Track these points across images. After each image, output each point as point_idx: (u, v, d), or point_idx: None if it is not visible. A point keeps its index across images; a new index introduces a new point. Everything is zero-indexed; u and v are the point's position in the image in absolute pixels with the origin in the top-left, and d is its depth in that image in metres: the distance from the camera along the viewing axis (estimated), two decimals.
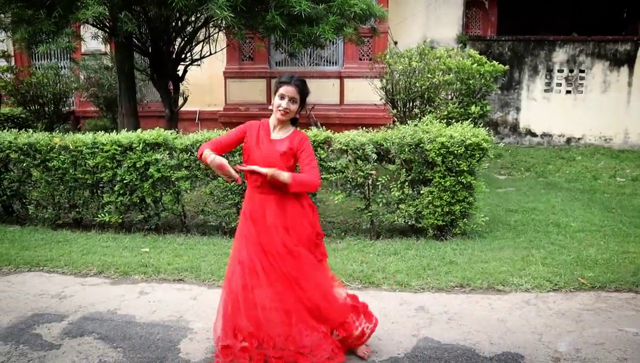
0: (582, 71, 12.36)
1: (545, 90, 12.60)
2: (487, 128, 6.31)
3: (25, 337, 3.41)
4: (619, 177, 9.06)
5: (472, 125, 5.68)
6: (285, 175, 2.83)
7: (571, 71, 12.42)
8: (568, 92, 12.47)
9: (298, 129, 3.08)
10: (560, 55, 12.49)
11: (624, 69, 12.18)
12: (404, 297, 4.11)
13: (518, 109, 12.76)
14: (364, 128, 5.89)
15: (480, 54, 12.01)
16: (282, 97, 2.95)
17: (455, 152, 5.22)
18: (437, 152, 5.23)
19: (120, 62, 8.28)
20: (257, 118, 9.99)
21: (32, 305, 3.93)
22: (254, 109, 11.28)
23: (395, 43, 12.15)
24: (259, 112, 11.19)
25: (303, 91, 3.00)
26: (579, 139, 12.44)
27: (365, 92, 9.60)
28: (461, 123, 5.79)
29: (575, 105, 12.46)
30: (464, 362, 3.12)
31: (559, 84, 12.51)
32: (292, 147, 2.96)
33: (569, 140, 12.49)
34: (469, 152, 5.28)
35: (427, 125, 5.68)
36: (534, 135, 12.69)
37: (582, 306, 3.95)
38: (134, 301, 3.98)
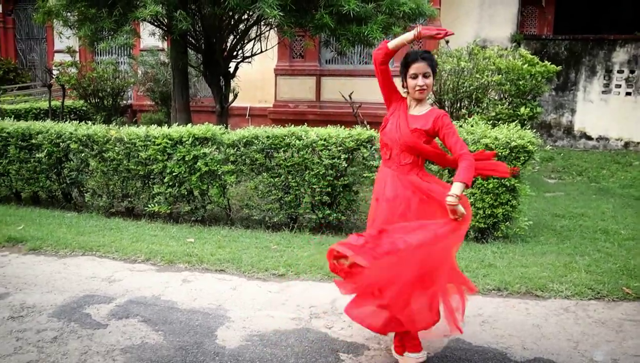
0: None
1: (603, 92, 12.15)
2: (536, 130, 6.20)
3: (77, 315, 3.65)
4: None
5: (521, 127, 5.60)
6: (460, 186, 2.80)
7: (632, 72, 11.92)
8: (628, 93, 11.99)
9: (434, 106, 3.13)
10: (620, 55, 12.01)
11: None
12: None
13: (573, 111, 12.37)
14: None
15: (535, 53, 11.77)
16: (414, 76, 2.92)
17: (500, 154, 5.16)
18: None
19: (174, 58, 8.60)
20: (306, 115, 10.08)
21: (84, 286, 4.19)
22: (303, 106, 11.43)
23: (447, 42, 11.99)
24: (308, 109, 11.34)
25: (433, 61, 2.96)
26: (638, 143, 11.94)
27: None
28: (508, 124, 5.72)
29: (635, 107, 11.96)
30: None
31: (618, 85, 12.04)
32: (427, 126, 2.94)
33: (627, 144, 12.01)
34: (513, 154, 5.21)
35: (472, 126, 5.63)
36: (589, 138, 12.28)
37: (624, 316, 3.85)
38: (177, 288, 4.17)
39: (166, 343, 3.27)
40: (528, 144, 5.20)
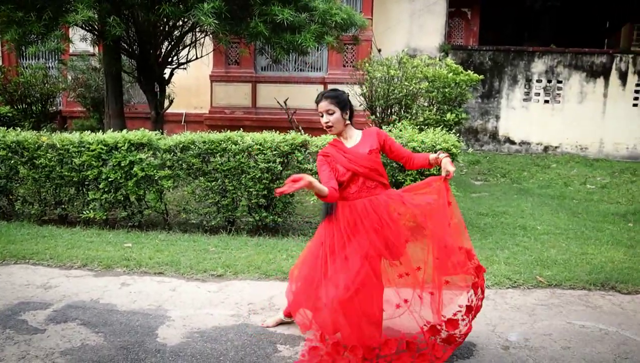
0: (559, 82, 12.76)
1: (524, 100, 12.98)
2: (459, 135, 6.61)
3: (12, 322, 3.62)
4: (589, 184, 9.43)
5: (447, 132, 5.98)
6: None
7: (549, 81, 12.81)
8: (546, 101, 12.86)
9: (366, 128, 3.38)
10: (539, 66, 12.88)
11: (600, 81, 12.60)
12: None
13: (498, 117, 13.12)
14: None
15: (461, 63, 12.44)
16: (321, 115, 3.17)
17: None
18: None
19: (107, 64, 8.49)
20: (242, 121, 10.14)
21: (18, 294, 4.13)
22: (239, 113, 11.53)
23: (379, 50, 12.47)
24: (244, 115, 11.44)
25: (335, 99, 3.16)
26: (556, 147, 12.82)
27: None
28: (434, 129, 6.09)
29: (552, 114, 12.86)
30: None
31: (538, 94, 12.90)
32: (376, 144, 3.20)
33: (546, 149, 12.87)
34: None
35: (400, 130, 5.96)
36: (512, 143, 13.06)
37: (537, 301, 4.23)
38: (116, 291, 4.20)
39: (107, 344, 3.32)
40: (452, 147, 5.57)
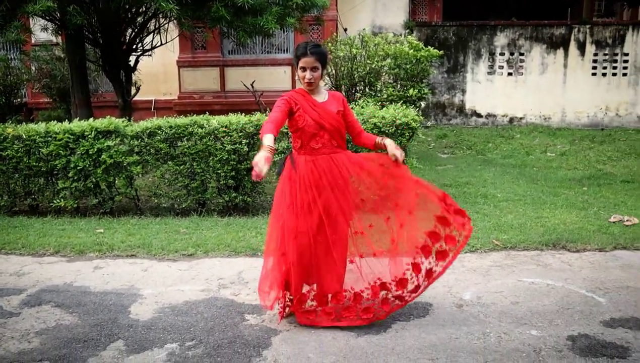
0: (521, 54, 13.04)
1: (489, 73, 13.24)
2: (418, 110, 6.80)
3: None
4: (550, 153, 9.77)
5: (410, 108, 6.17)
6: (391, 141, 3.42)
7: (512, 54, 13.08)
8: (509, 74, 13.15)
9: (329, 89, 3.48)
10: (501, 39, 13.13)
11: (560, 52, 12.91)
12: None
13: (464, 91, 13.37)
14: None
15: (426, 39, 12.63)
16: (303, 69, 3.19)
17: (387, 131, 5.70)
18: (370, 131, 5.68)
19: (71, 53, 8.45)
20: (212, 106, 10.17)
21: None
22: (208, 97, 11.57)
23: (345, 30, 12.55)
24: (213, 99, 11.49)
25: (320, 56, 3.19)
26: (520, 118, 13.15)
27: None
28: (394, 105, 6.28)
29: (516, 86, 13.16)
30: None
31: (501, 67, 13.16)
32: (341, 107, 3.32)
33: (511, 120, 13.19)
34: (399, 131, 5.77)
35: (362, 107, 6.14)
36: (479, 115, 13.34)
37: (492, 263, 4.50)
38: (89, 275, 4.33)
39: (81, 323, 3.47)
40: (411, 121, 5.78)
